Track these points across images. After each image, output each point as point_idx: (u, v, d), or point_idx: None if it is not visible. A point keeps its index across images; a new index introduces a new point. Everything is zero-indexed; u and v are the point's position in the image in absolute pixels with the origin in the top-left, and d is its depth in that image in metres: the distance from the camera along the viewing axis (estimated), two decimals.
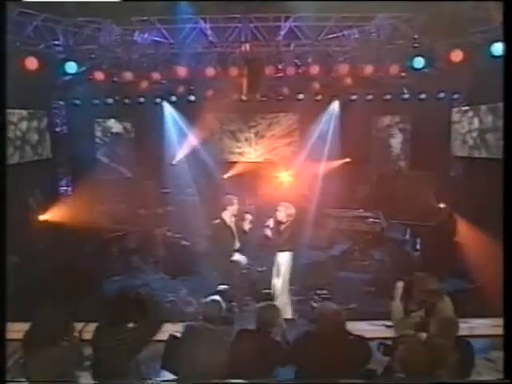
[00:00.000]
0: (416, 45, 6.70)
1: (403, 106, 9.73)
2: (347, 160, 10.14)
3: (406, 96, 9.51)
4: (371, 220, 8.06)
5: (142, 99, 9.46)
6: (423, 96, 9.51)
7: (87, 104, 9.30)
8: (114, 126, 10.15)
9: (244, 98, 9.32)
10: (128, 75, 6.75)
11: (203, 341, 3.78)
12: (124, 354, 3.32)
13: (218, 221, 5.71)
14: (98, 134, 9.96)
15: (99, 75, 6.66)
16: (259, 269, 7.62)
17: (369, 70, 6.76)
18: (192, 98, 9.47)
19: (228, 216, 5.69)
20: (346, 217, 8.40)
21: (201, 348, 3.76)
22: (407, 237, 7.23)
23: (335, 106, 10.03)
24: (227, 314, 4.17)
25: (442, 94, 9.22)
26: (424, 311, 3.75)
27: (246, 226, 5.77)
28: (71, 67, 6.41)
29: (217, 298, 3.98)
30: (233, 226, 5.73)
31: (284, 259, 5.68)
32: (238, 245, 5.74)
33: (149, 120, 9.88)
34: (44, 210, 8.35)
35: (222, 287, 4.37)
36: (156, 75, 6.89)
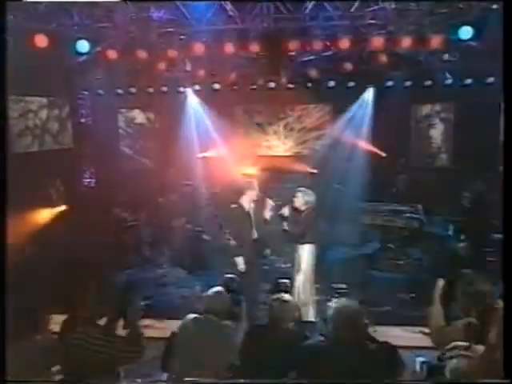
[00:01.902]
0: (462, 14, 5.78)
1: (445, 92, 8.72)
2: (383, 155, 9.33)
3: (449, 82, 8.52)
4: (408, 215, 7.12)
5: (164, 88, 8.99)
6: (469, 81, 8.49)
7: (111, 94, 8.95)
8: (138, 116, 9.71)
9: (271, 85, 8.65)
10: (142, 53, 6.20)
11: (205, 335, 3.21)
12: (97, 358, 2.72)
13: (234, 206, 5.01)
14: (121, 124, 9.55)
15: (113, 54, 6.14)
16: (283, 265, 6.92)
17: (407, 42, 5.87)
18: (216, 86, 8.90)
19: (247, 201, 4.99)
20: (380, 211, 7.49)
21: (203, 343, 3.18)
22: (450, 232, 6.25)
23: (369, 93, 9.13)
24: (234, 307, 3.53)
25: (491, 79, 8.12)
26: (476, 316, 2.89)
27: (267, 214, 5.04)
28: (83, 46, 5.94)
29: (220, 289, 3.35)
30: (251, 212, 5.02)
31: (304, 253, 4.92)
32: (255, 234, 5.02)
33: (172, 110, 9.39)
34: (64, 200, 8.00)
35: (228, 276, 3.68)
36: (172, 53, 6.29)
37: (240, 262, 4.87)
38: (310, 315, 4.93)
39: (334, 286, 5.47)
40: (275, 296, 3.23)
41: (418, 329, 5.07)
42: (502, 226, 2.55)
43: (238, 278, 3.78)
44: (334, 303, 2.78)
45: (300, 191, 4.98)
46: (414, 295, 5.83)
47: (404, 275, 6.59)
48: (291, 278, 5.03)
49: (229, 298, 3.27)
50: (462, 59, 7.95)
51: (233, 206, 5.02)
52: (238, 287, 3.66)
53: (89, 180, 9.56)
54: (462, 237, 6.18)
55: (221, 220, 6.43)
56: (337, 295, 3.54)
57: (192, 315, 3.35)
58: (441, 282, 3.28)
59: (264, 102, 10.03)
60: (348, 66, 7.38)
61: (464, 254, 5.75)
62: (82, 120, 9.23)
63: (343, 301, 2.80)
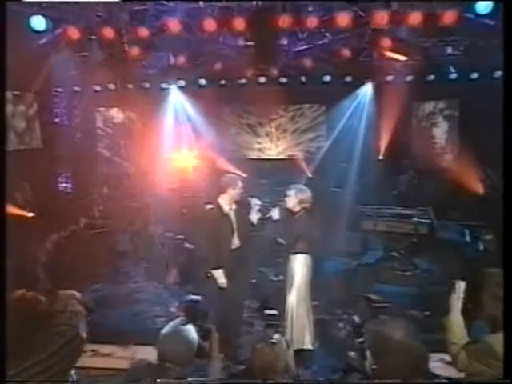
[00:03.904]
0: None
1: (449, 88, 7.79)
2: (380, 157, 8.39)
3: (454, 76, 7.61)
4: (416, 219, 6.09)
5: (146, 84, 8.03)
6: (475, 76, 7.59)
7: (87, 91, 8.00)
8: (117, 115, 8.70)
9: (262, 79, 7.70)
10: (109, 31, 5.19)
11: None
12: None
13: (210, 206, 3.96)
14: (100, 124, 8.54)
15: (74, 33, 5.13)
16: (274, 278, 5.88)
17: (416, 18, 4.91)
18: (203, 81, 7.95)
19: (227, 201, 3.94)
20: (383, 215, 6.46)
21: None
22: (467, 239, 5.21)
23: (368, 89, 8.18)
24: (202, 342, 2.46)
25: (498, 73, 7.21)
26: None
27: (254, 217, 3.99)
28: (39, 23, 4.92)
29: (180, 327, 2.28)
30: (232, 215, 3.97)
31: (298, 265, 3.87)
32: (237, 242, 3.97)
33: (155, 109, 8.40)
34: (32, 205, 6.93)
35: (191, 299, 2.60)
36: (143, 31, 5.30)
37: (219, 275, 3.82)
38: (307, 342, 3.87)
39: (338, 304, 4.44)
40: (259, 337, 2.20)
41: (437, 356, 4.03)
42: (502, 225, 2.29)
43: (204, 300, 2.71)
44: (373, 325, 1.87)
45: (293, 188, 3.95)
46: (428, 313, 4.78)
47: (413, 289, 5.55)
48: (283, 303, 3.98)
49: (193, 339, 2.21)
50: (467, 51, 7.14)
51: (208, 206, 3.97)
52: (207, 314, 2.60)
53: (65, 184, 8.55)
54: (480, 244, 5.15)
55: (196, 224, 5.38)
56: (370, 308, 2.51)
57: (143, 360, 2.30)
58: (461, 285, 2.37)
59: (254, 100, 9.04)
60: (346, 53, 6.42)
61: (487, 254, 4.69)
62: (57, 119, 8.29)
63: (389, 321, 1.82)
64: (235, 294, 3.89)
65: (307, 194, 3.91)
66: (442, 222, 6.07)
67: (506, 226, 2.31)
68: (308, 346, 3.85)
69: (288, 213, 3.93)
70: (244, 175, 7.10)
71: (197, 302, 2.52)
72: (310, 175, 8.72)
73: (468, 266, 4.81)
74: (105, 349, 4.47)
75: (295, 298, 3.86)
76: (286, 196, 3.92)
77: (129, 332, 4.64)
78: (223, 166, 8.35)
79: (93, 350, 4.37)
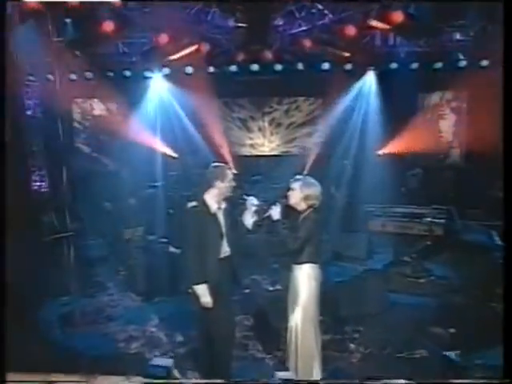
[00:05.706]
0: None
1: (458, 77, 7.04)
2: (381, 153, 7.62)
3: (463, 64, 6.89)
4: (430, 219, 5.28)
5: (127, 72, 7.16)
6: (485, 63, 6.86)
7: (62, 80, 7.09)
8: (96, 107, 7.80)
9: (254, 67, 6.86)
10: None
11: None
12: None
13: (193, 204, 3.08)
14: (77, 116, 7.63)
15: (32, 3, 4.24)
16: (270, 288, 5.04)
17: None
18: (189, 69, 7.11)
19: (214, 198, 3.08)
20: (392, 215, 5.65)
21: None
22: (497, 241, 4.40)
23: (370, 78, 7.39)
24: None
25: None
26: None
27: (249, 220, 3.13)
28: None
29: None
30: (221, 215, 3.11)
31: (304, 277, 3.01)
32: (226, 250, 3.10)
33: (137, 100, 7.52)
34: None
35: (160, 363, 1.72)
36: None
37: (203, 292, 2.95)
38: (315, 374, 3.01)
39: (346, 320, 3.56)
40: None
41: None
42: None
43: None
44: None
45: (298, 180, 3.11)
46: (454, 330, 3.95)
47: (430, 299, 4.72)
48: (283, 320, 3.13)
49: None
50: (477, 37, 6.46)
51: (191, 204, 3.09)
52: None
53: (39, 183, 7.63)
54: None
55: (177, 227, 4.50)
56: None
57: None
58: None
59: (246, 91, 8.21)
60: (348, 34, 5.62)
61: None
62: (29, 112, 7.38)
63: None
64: (224, 314, 3.03)
65: (316, 189, 3.07)
66: (463, 221, 5.27)
67: (506, 225, 2.32)
68: (316, 375, 3.00)
69: (291, 212, 3.08)
70: (235, 171, 6.32)
71: (165, 368, 1.63)
72: (305, 173, 7.95)
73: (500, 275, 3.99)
74: (65, 379, 3.58)
75: (300, 318, 2.99)
76: (289, 190, 3.07)
77: (96, 358, 3.74)
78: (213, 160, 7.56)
79: (49, 382, 3.50)
